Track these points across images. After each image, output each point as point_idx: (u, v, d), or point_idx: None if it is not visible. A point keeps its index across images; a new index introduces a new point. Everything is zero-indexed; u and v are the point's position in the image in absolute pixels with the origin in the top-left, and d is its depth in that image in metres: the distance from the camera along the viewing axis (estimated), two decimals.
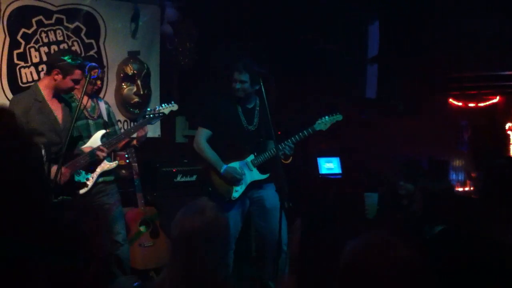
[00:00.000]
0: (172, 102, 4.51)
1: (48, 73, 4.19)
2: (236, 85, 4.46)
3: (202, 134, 4.60)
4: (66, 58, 4.09)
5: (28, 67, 5.28)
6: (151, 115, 4.39)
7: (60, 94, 4.26)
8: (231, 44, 6.14)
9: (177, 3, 6.10)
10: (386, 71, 5.98)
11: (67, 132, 3.94)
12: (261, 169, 4.55)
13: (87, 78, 4.08)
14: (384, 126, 6.11)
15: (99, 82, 4.51)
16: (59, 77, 4.10)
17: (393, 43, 5.93)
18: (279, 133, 4.77)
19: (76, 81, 4.16)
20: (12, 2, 5.17)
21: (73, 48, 5.49)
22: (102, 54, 5.70)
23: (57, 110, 4.23)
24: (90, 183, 4.32)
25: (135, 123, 4.81)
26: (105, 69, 5.63)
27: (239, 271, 5.15)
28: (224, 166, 4.45)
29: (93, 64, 4.13)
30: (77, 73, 4.12)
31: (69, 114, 4.29)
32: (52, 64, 4.16)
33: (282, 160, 4.45)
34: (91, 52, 5.61)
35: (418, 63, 5.91)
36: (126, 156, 5.46)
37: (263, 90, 4.21)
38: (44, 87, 4.17)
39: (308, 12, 6.01)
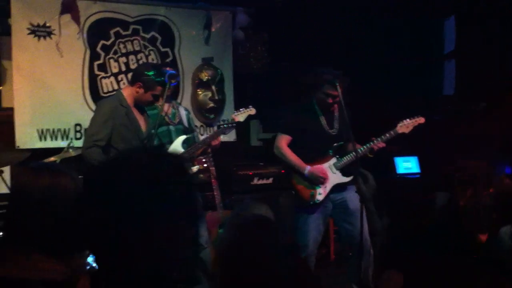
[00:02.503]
0: (250, 106, 4.53)
1: (131, 83, 4.29)
2: (328, 100, 4.44)
3: (283, 140, 4.61)
4: (150, 74, 4.17)
5: (108, 77, 5.47)
6: (225, 125, 4.44)
7: (140, 105, 4.35)
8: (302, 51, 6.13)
9: (248, 9, 6.16)
10: (464, 66, 5.80)
11: (152, 138, 4.04)
12: (344, 172, 4.52)
13: (167, 86, 4.16)
14: (463, 124, 5.92)
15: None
16: (141, 90, 4.20)
17: (471, 36, 5.74)
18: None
19: (156, 97, 4.25)
20: (91, 15, 5.38)
21: (149, 57, 5.65)
22: (178, 62, 5.82)
23: (140, 117, 4.34)
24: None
25: (211, 133, 4.82)
26: (181, 76, 5.75)
27: (320, 275, 5.12)
28: (308, 167, 4.44)
29: (173, 71, 4.22)
30: (158, 90, 4.21)
31: (149, 122, 4.38)
32: (137, 76, 4.26)
33: (368, 154, 4.46)
34: (167, 60, 5.75)
35: (498, 56, 5.69)
36: (204, 160, 5.54)
37: (340, 94, 4.19)
38: (127, 95, 4.28)
39: (381, 9, 5.92)
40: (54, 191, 1.65)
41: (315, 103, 4.56)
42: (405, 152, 6.20)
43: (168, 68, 4.53)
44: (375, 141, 4.44)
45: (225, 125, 4.45)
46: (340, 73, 4.41)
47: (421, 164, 6.23)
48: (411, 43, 6.08)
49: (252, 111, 4.56)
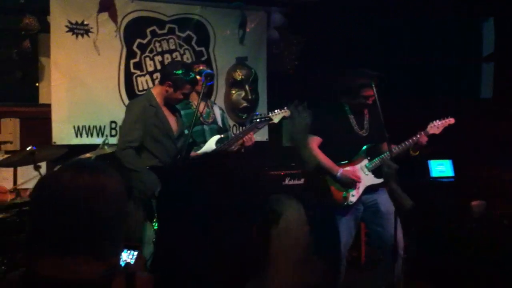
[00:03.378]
0: (285, 107, 4.51)
1: (161, 82, 4.30)
2: (366, 101, 4.41)
3: (314, 141, 4.58)
4: (179, 72, 4.17)
5: (144, 75, 5.53)
6: (259, 120, 4.43)
7: (170, 104, 4.36)
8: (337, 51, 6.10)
9: (283, 8, 6.15)
10: (504, 69, 5.67)
11: (187, 137, 4.06)
12: (376, 173, 4.47)
13: (203, 85, 4.17)
14: (500, 128, 5.79)
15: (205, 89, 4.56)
16: (170, 89, 4.20)
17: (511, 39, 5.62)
18: (388, 135, 4.68)
19: (186, 95, 4.25)
20: (128, 14, 5.45)
21: (184, 56, 5.69)
22: (212, 61, 5.85)
23: (170, 117, 4.34)
24: None
25: (243, 128, 4.82)
26: (215, 76, 5.78)
27: (350, 278, 5.08)
28: (340, 170, 4.41)
29: (210, 71, 4.24)
30: (188, 88, 4.21)
31: (181, 121, 4.39)
32: (166, 75, 4.27)
33: (411, 152, 4.46)
34: (202, 60, 5.77)
35: None
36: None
37: (375, 94, 4.15)
38: (157, 94, 4.28)
39: (417, 10, 5.84)
40: (94, 190, 1.65)
41: (346, 104, 4.53)
42: (439, 155, 6.10)
43: (202, 66, 4.56)
44: (406, 143, 4.44)
45: (258, 120, 4.44)
46: (376, 74, 4.37)
47: (456, 167, 6.12)
48: (449, 44, 5.99)
49: (287, 112, 4.54)
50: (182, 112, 4.61)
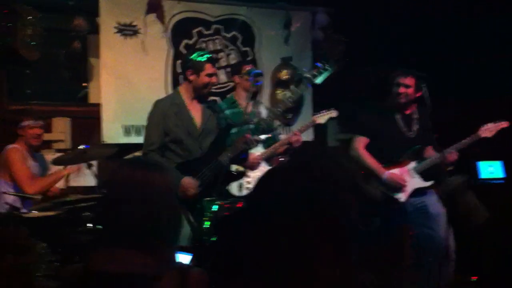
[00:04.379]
0: (332, 108, 4.49)
1: (184, 78, 4.23)
2: (399, 90, 4.36)
3: (360, 142, 4.55)
4: (193, 56, 4.10)
5: None
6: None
7: (201, 98, 4.24)
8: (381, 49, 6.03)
9: (328, 9, 6.12)
10: None
11: (216, 135, 4.04)
12: (424, 176, 4.41)
13: (252, 84, 4.18)
14: None
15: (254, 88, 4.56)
16: (193, 76, 4.08)
17: None
18: (436, 135, 4.62)
19: (210, 75, 4.10)
20: (175, 15, 5.52)
21: (230, 56, 5.73)
22: (257, 61, 5.87)
23: (196, 113, 4.19)
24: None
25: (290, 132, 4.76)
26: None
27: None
28: (386, 173, 4.36)
29: (258, 71, 4.25)
30: (208, 67, 4.07)
31: (210, 118, 4.31)
32: (184, 66, 4.24)
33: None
34: (247, 60, 5.80)
35: None
36: (281, 160, 5.55)
37: (424, 95, 4.12)
38: (184, 91, 4.18)
39: (467, 7, 5.73)
40: (148, 186, 1.69)
41: (393, 107, 4.49)
42: (489, 156, 5.97)
43: (250, 66, 4.57)
44: (457, 146, 4.36)
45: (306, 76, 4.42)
46: (423, 75, 4.33)
47: (507, 169, 5.98)
48: (502, 43, 5.85)
49: (333, 113, 4.53)
50: (228, 112, 4.63)
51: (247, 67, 4.55)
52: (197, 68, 4.06)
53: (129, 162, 1.84)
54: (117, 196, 1.70)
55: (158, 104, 4.19)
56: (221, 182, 3.98)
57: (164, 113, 4.10)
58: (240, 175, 4.35)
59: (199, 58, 4.06)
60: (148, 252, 1.64)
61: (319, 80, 4.48)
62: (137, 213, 1.66)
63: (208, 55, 4.12)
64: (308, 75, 4.42)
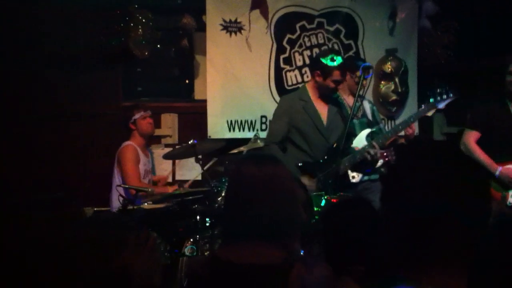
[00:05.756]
0: (450, 94, 4.31)
1: (311, 74, 4.36)
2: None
3: (471, 136, 4.36)
4: (325, 60, 4.17)
5: (293, 70, 5.60)
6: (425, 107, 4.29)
7: (327, 95, 4.37)
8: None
9: None
10: None
11: (343, 132, 4.05)
12: None
13: (362, 77, 4.13)
14: None
15: (364, 82, 4.50)
16: (320, 78, 4.22)
17: None
18: None
19: (337, 82, 4.20)
20: (279, 10, 5.54)
21: None
22: (361, 54, 5.77)
23: (323, 110, 4.35)
24: (356, 180, 4.38)
25: (408, 119, 4.58)
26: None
27: None
28: (499, 168, 4.16)
29: (368, 63, 4.18)
30: (336, 74, 4.16)
31: (336, 114, 4.38)
32: (314, 65, 4.31)
33: None
34: (350, 53, 5.73)
35: None
36: (385, 154, 5.43)
37: None
38: (310, 87, 4.35)
39: None
40: (276, 180, 1.73)
41: (506, 97, 4.25)
42: None
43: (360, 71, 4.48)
44: None
45: (433, 99, 4.29)
46: None
47: None
48: None
49: (452, 97, 4.36)
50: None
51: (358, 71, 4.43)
52: (326, 72, 4.17)
53: (254, 158, 1.88)
54: (246, 192, 1.76)
55: (284, 99, 4.40)
56: (333, 184, 4.01)
57: (291, 109, 4.29)
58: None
59: (330, 63, 4.16)
60: (277, 244, 1.68)
61: (441, 105, 4.38)
62: (266, 208, 1.71)
63: (340, 61, 4.16)
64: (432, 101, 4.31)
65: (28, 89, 4.92)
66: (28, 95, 4.93)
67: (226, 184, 3.80)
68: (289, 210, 1.74)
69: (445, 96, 4.29)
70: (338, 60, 4.18)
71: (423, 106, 4.39)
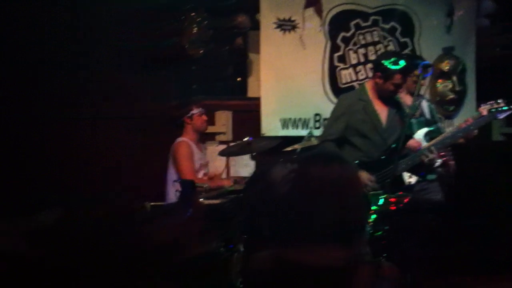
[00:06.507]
0: (500, 100, 4.19)
1: (372, 75, 4.31)
2: None
3: None
4: (386, 63, 4.08)
5: (347, 68, 5.56)
6: (496, 109, 4.17)
7: (387, 96, 4.28)
8: None
9: None
10: None
11: (401, 133, 3.98)
12: None
13: (421, 76, 4.05)
14: None
15: (423, 81, 4.40)
16: (380, 80, 4.13)
17: None
18: None
19: (397, 86, 4.12)
20: (333, 8, 5.52)
21: (388, 48, 5.59)
22: (417, 52, 5.67)
23: (382, 110, 4.25)
24: (412, 181, 4.31)
25: (473, 122, 4.45)
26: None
27: None
28: None
29: (427, 62, 4.10)
30: (397, 78, 4.06)
31: (395, 115, 4.28)
32: (375, 67, 4.25)
33: None
34: (406, 51, 5.63)
35: None
36: (442, 154, 5.32)
37: None
38: (370, 88, 4.27)
39: None
40: (344, 180, 1.70)
41: None
42: None
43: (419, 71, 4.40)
44: None
45: (494, 109, 4.18)
46: None
47: None
48: None
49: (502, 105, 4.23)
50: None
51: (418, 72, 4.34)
52: (387, 75, 4.09)
53: (321, 157, 1.86)
54: (313, 193, 1.74)
55: (344, 98, 4.37)
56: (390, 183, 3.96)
57: (350, 108, 4.24)
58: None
59: (392, 67, 4.07)
60: (342, 245, 1.66)
61: (501, 116, 4.28)
62: (335, 207, 1.69)
63: (403, 65, 4.06)
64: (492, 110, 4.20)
65: (86, 89, 5.05)
66: (85, 95, 5.06)
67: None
68: (356, 210, 1.71)
69: (506, 108, 4.16)
70: (402, 63, 4.07)
71: (483, 115, 4.24)
